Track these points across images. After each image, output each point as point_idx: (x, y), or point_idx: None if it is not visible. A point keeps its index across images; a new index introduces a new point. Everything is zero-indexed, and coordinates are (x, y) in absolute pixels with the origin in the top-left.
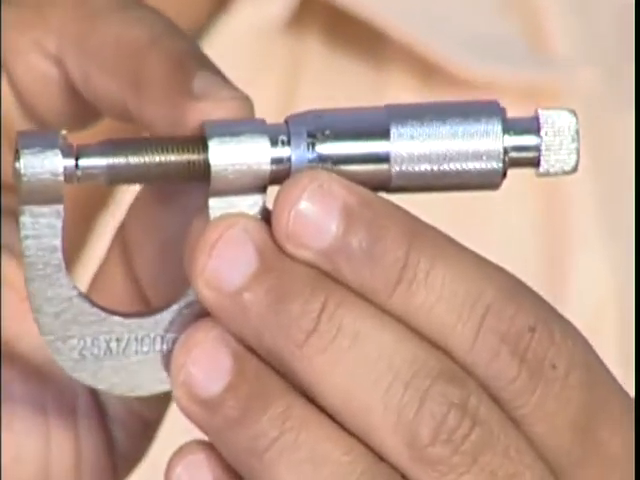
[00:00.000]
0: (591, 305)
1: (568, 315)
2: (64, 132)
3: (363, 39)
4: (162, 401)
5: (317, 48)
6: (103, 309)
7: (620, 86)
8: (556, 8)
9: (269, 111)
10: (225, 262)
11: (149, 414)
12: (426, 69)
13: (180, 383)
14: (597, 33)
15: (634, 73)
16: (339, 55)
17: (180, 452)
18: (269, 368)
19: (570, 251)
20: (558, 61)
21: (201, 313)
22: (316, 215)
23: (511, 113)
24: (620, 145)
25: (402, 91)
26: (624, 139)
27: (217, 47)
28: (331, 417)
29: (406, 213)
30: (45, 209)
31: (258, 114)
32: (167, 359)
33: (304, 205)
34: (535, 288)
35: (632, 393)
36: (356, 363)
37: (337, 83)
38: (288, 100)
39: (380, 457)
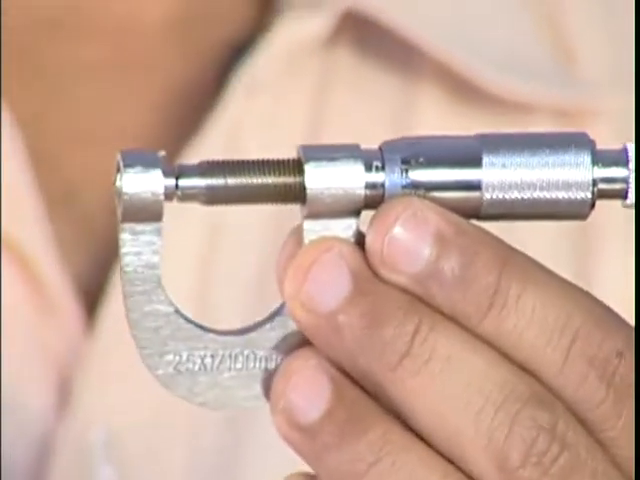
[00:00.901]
0: (614, 297)
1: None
2: (163, 153)
3: (395, 52)
4: None
5: (349, 60)
6: (198, 326)
7: None
8: (587, 30)
9: (301, 124)
10: (320, 285)
11: None
12: (457, 85)
13: (280, 410)
14: (627, 56)
15: (634, 72)
16: (371, 68)
17: None
18: (365, 394)
19: (595, 261)
20: (589, 81)
21: (294, 333)
22: (410, 241)
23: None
24: None
25: (433, 106)
26: None
27: (259, 62)
28: (425, 441)
29: (497, 239)
30: (145, 227)
31: (290, 127)
32: (259, 376)
33: (398, 231)
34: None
35: None
36: (448, 386)
37: (368, 96)
38: (320, 113)
39: None
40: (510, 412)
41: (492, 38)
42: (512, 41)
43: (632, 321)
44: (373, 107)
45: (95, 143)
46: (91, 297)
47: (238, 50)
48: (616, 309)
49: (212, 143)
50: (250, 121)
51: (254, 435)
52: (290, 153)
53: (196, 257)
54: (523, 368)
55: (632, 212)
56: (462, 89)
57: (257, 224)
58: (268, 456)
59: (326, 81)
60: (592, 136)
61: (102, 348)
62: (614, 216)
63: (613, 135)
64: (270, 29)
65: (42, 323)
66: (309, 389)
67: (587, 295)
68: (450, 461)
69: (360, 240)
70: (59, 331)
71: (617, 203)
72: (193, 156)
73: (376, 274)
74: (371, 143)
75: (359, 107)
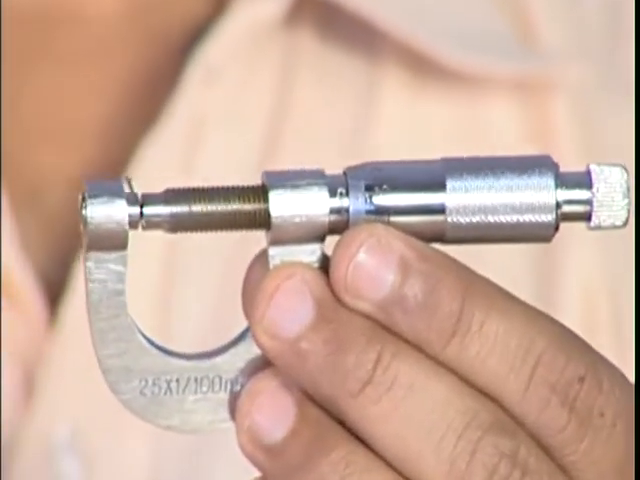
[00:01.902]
0: (583, 297)
1: (560, 309)
2: (130, 177)
3: (356, 34)
4: None
5: (311, 44)
6: (164, 350)
7: (609, 79)
8: (548, 5)
9: (266, 110)
10: (283, 311)
11: None
12: (419, 63)
13: (245, 430)
14: (586, 26)
15: (634, 73)
16: (333, 51)
17: None
18: (329, 415)
19: (561, 243)
20: (548, 54)
21: (259, 357)
22: (374, 268)
23: (504, 106)
24: (612, 137)
25: (396, 86)
26: (616, 131)
27: (215, 47)
28: (388, 464)
29: (460, 265)
30: (110, 255)
31: (255, 113)
32: (225, 399)
33: (362, 258)
34: (526, 282)
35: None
36: (410, 413)
37: (332, 78)
38: (284, 97)
39: None
40: (472, 439)
41: (452, 16)
42: (472, 18)
43: (595, 342)
44: (337, 90)
45: (55, 139)
46: (54, 292)
47: (195, 35)
48: (577, 327)
49: (172, 134)
50: (211, 110)
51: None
52: (255, 142)
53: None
54: (486, 394)
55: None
56: (424, 68)
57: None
58: (236, 446)
59: (289, 65)
60: (550, 108)
61: (64, 343)
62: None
63: (572, 108)
64: (227, 10)
65: (5, 317)
66: (274, 409)
67: (550, 320)
68: None
69: (325, 265)
70: (22, 326)
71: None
72: (154, 148)
73: (339, 301)
74: (337, 124)
75: (323, 90)
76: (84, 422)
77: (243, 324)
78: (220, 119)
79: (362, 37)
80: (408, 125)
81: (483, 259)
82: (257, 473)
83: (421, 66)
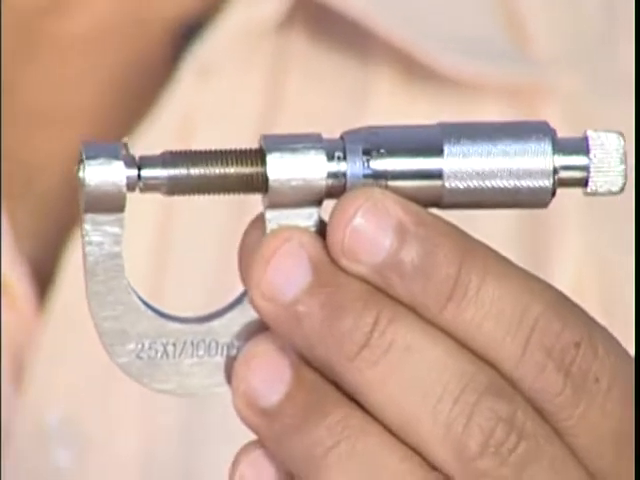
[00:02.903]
0: (570, 282)
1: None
2: (126, 140)
3: (349, 37)
4: None
5: (303, 46)
6: (161, 314)
7: (604, 85)
8: (543, 11)
9: (257, 110)
10: (281, 275)
11: None
12: (411, 67)
13: (240, 393)
14: (580, 32)
15: (634, 72)
16: (325, 53)
17: (244, 450)
18: (325, 379)
19: (548, 228)
20: (541, 61)
21: (255, 321)
22: (371, 231)
23: (495, 112)
24: None
25: (387, 89)
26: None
27: (210, 45)
28: (384, 427)
29: (458, 230)
30: (107, 217)
31: (246, 112)
32: (221, 363)
33: (359, 222)
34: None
35: None
36: (407, 377)
37: (324, 80)
38: (276, 98)
39: (433, 467)
40: (468, 402)
41: (445, 20)
42: (466, 23)
43: (589, 308)
44: (328, 91)
45: (47, 129)
46: (44, 279)
47: (190, 30)
48: (571, 294)
49: (164, 128)
50: (203, 107)
51: (212, 413)
52: (246, 140)
53: (151, 241)
54: (482, 359)
55: (589, 198)
56: (416, 71)
57: (212, 207)
58: (227, 432)
59: (281, 65)
60: (542, 115)
61: (54, 329)
62: (570, 202)
63: (563, 115)
64: (223, 9)
65: None
66: (269, 373)
67: (546, 286)
68: (412, 449)
69: (321, 229)
70: (12, 312)
71: (574, 191)
72: (145, 141)
73: (336, 264)
74: (327, 127)
75: (314, 92)
76: (75, 409)
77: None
78: (211, 117)
79: (354, 40)
80: None
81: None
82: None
83: (413, 70)
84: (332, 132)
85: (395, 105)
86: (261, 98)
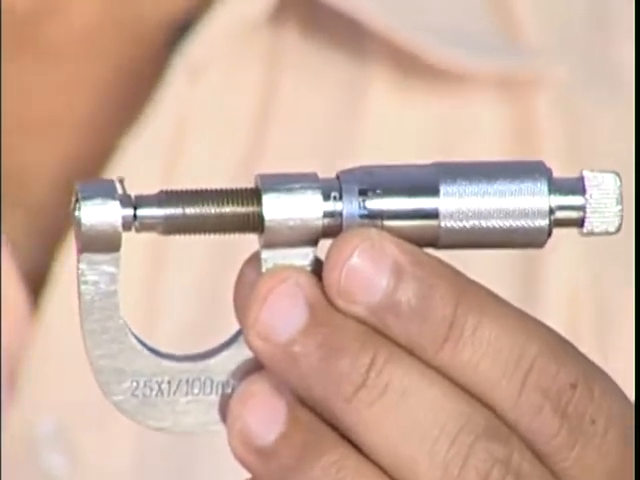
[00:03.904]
0: (565, 296)
1: (542, 307)
2: (123, 178)
3: (342, 32)
4: None
5: (296, 42)
6: (156, 352)
7: (595, 75)
8: (535, 3)
9: (251, 107)
10: (277, 315)
11: None
12: (404, 61)
13: (236, 432)
14: (571, 22)
15: (634, 71)
16: (318, 49)
17: None
18: (321, 419)
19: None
20: (532, 51)
21: (251, 360)
22: (367, 272)
23: (486, 103)
24: (597, 134)
25: (382, 83)
26: (601, 128)
27: (199, 44)
28: (380, 469)
29: (454, 270)
30: (103, 257)
31: (240, 110)
32: (216, 401)
33: (356, 262)
34: (508, 280)
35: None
36: (403, 418)
37: (317, 77)
38: (269, 96)
39: None
40: (465, 444)
41: (437, 13)
42: (457, 15)
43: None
44: (323, 87)
45: (37, 134)
46: (37, 285)
47: (181, 30)
48: (561, 330)
49: (156, 132)
50: (195, 108)
51: None
52: (240, 140)
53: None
54: (479, 400)
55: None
56: (410, 66)
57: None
58: (221, 443)
59: (274, 62)
60: (534, 105)
61: (47, 335)
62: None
63: (554, 104)
64: (211, 9)
65: None
66: (265, 412)
67: (542, 326)
68: None
69: (317, 269)
70: (5, 317)
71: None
72: (138, 143)
73: (333, 305)
74: (323, 123)
75: (309, 88)
76: (68, 415)
77: (229, 324)
78: (204, 118)
79: (347, 35)
80: (394, 123)
81: (466, 261)
82: (244, 471)
83: (407, 64)
84: (327, 128)
85: (389, 99)
86: (255, 96)
